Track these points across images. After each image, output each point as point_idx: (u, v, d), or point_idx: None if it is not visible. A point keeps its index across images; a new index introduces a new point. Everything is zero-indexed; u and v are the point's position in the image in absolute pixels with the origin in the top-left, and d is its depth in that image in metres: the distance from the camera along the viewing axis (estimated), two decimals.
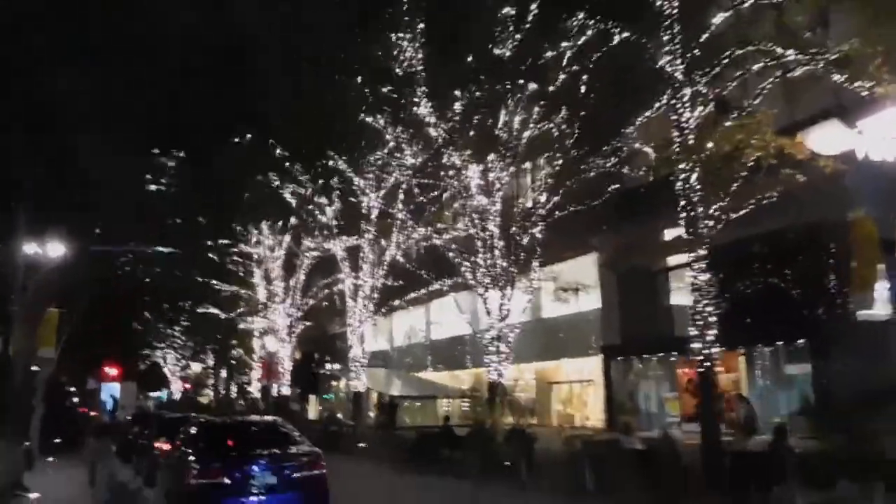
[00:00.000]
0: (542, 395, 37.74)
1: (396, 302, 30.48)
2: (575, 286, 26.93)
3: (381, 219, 26.93)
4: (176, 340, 58.22)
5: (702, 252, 14.98)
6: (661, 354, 30.07)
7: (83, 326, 32.99)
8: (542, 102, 19.12)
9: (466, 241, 21.32)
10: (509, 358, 20.75)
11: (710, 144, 14.23)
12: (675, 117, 14.71)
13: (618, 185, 21.23)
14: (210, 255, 38.83)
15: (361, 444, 26.49)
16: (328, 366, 53.43)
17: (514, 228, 20.34)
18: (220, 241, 36.90)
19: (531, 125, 19.33)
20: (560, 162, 19.54)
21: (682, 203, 14.71)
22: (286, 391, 38.51)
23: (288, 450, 10.55)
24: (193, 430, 11.89)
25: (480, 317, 37.53)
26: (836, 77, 12.80)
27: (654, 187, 26.62)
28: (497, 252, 20.19)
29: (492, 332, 20.39)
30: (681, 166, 14.50)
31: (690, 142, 14.42)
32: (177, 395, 64.07)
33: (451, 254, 21.03)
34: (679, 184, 14.67)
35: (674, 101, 14.70)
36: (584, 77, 18.19)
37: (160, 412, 27.85)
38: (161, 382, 66.69)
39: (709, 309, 16.65)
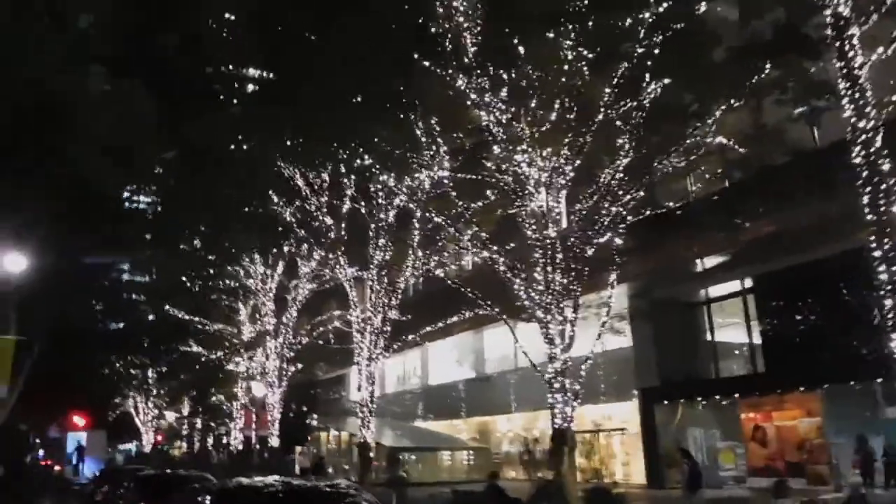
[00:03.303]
0: (538, 445, 33.60)
1: (411, 337, 25.99)
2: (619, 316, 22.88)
3: (400, 230, 22.67)
4: (151, 387, 52.50)
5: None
6: (716, 398, 26.12)
7: (45, 365, 27.84)
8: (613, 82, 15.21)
9: (516, 253, 17.07)
10: (578, 397, 16.31)
11: None
12: (841, 65, 10.79)
13: (649, 207, 17.38)
14: (193, 286, 33.92)
15: None
16: (314, 414, 48.59)
17: (574, 238, 16.17)
18: (209, 268, 32.06)
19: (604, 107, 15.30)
20: (624, 159, 15.63)
21: (865, 177, 10.61)
22: (275, 442, 33.38)
23: None
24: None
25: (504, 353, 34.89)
26: None
27: (692, 209, 23.23)
28: (558, 266, 15.96)
29: (555, 365, 15.96)
30: (861, 125, 10.48)
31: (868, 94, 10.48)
32: (147, 448, 57.94)
33: (501, 268, 16.65)
34: (858, 151, 10.59)
35: (838, 44, 10.80)
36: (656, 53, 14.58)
37: (137, 467, 22.78)
38: (132, 433, 60.53)
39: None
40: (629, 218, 16.25)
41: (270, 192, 23.65)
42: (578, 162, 15.51)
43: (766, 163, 18.61)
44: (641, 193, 15.51)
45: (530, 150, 15.23)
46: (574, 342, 16.31)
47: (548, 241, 15.81)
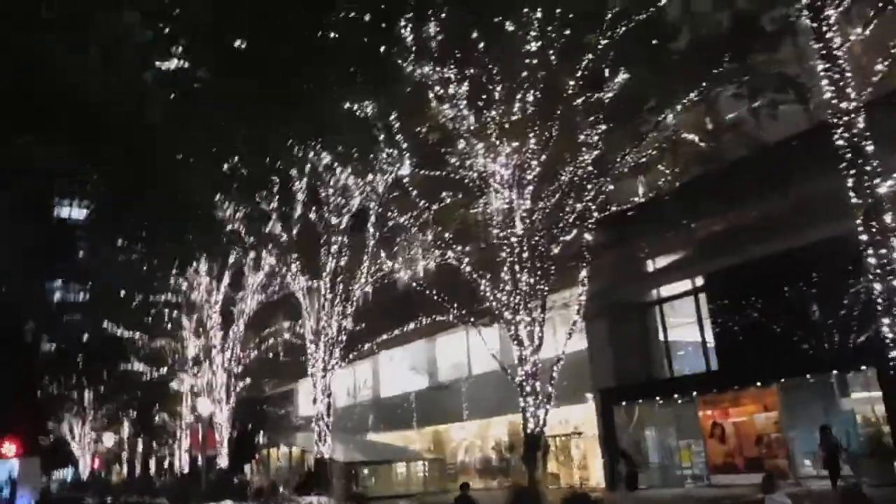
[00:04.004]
0: (514, 454, 33.04)
1: (367, 346, 25.06)
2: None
3: (354, 235, 21.72)
4: (88, 409, 49.75)
5: None
6: (674, 396, 25.93)
7: None
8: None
9: (481, 253, 16.43)
10: (550, 401, 15.73)
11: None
12: (819, 46, 10.54)
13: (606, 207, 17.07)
14: (133, 300, 32.12)
15: None
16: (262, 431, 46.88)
17: (539, 237, 15.64)
18: (150, 281, 30.31)
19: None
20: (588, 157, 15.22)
21: (849, 159, 10.32)
22: (223, 462, 31.84)
23: None
24: None
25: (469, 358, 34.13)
26: None
27: (646, 208, 23.10)
28: (525, 265, 15.39)
29: (526, 367, 15.34)
30: (843, 105, 10.20)
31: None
32: (85, 474, 54.92)
33: (466, 269, 15.96)
34: (841, 132, 10.30)
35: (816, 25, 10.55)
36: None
37: (76, 496, 21.14)
38: (67, 460, 57.31)
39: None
40: (595, 214, 15.80)
41: (217, 195, 22.30)
42: (544, 157, 14.96)
43: (720, 160, 18.53)
44: (610, 188, 15.05)
45: (497, 142, 14.61)
46: (543, 343, 15.74)
47: (514, 239, 15.21)
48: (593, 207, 15.45)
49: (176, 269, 31.01)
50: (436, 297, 16.93)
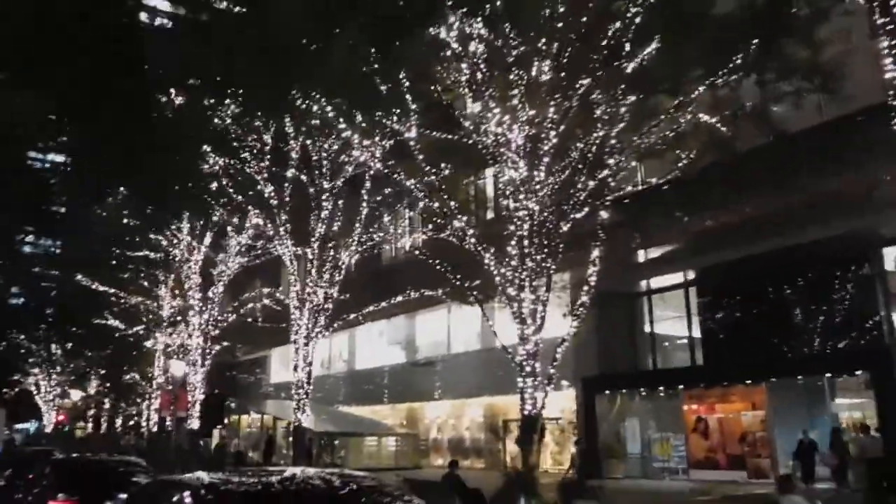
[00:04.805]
0: (491, 435, 32.48)
1: (353, 315, 24.14)
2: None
3: (350, 200, 20.70)
4: (55, 363, 48.21)
5: None
6: (658, 388, 25.42)
7: None
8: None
9: (488, 226, 15.56)
10: (553, 382, 15.01)
11: None
12: (884, 20, 9.64)
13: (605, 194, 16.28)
14: (110, 256, 30.84)
15: None
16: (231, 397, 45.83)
17: (548, 213, 14.79)
18: (130, 236, 29.04)
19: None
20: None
21: None
22: (195, 424, 30.82)
23: None
24: None
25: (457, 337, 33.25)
26: None
27: (644, 196, 22.38)
28: (534, 241, 14.55)
29: (527, 347, 14.56)
30: None
31: None
32: (49, 428, 53.47)
33: (470, 242, 15.08)
34: None
35: None
36: None
37: (45, 449, 20.02)
38: (31, 413, 55.71)
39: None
40: (609, 193, 14.99)
41: (207, 148, 21.09)
42: (563, 127, 14.05)
43: (730, 149, 17.83)
44: (628, 166, 14.22)
45: (520, 107, 13.67)
46: (545, 323, 14.97)
47: (524, 213, 14.34)
48: (612, 183, 14.59)
49: (155, 227, 29.86)
50: (438, 268, 15.93)
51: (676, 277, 26.21)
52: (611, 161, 14.22)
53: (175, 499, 4.52)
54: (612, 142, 14.40)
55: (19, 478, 12.14)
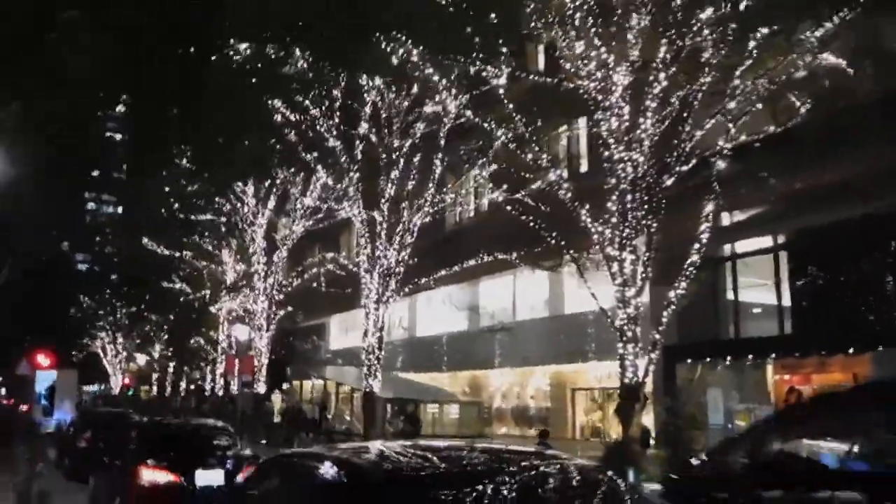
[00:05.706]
0: (558, 403, 31.50)
1: (423, 280, 23.18)
2: None
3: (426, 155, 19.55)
4: (120, 328, 48.80)
5: None
6: (746, 358, 23.94)
7: (9, 298, 24.45)
8: None
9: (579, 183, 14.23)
10: (655, 349, 13.81)
11: None
12: None
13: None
14: (175, 220, 30.48)
15: None
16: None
17: (650, 165, 13.41)
18: (195, 199, 28.57)
19: None
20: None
21: None
22: (261, 388, 30.53)
23: None
24: None
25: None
26: None
27: (732, 155, 20.78)
28: (638, 194, 13.23)
29: (628, 311, 13.35)
30: None
31: None
32: (116, 391, 54.42)
33: (566, 197, 13.80)
34: None
35: None
36: None
37: (120, 412, 19.70)
38: (98, 376, 56.81)
39: None
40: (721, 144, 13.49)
41: (277, 103, 20.01)
42: (672, 70, 12.59)
43: (850, 96, 16.08)
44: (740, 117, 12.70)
45: (632, 44, 12.26)
46: (644, 286, 13.69)
47: (629, 164, 12.99)
48: (734, 129, 13.11)
49: (219, 191, 29.24)
50: (535, 226, 14.67)
51: (764, 241, 24.54)
52: (731, 105, 12.72)
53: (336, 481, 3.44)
54: (730, 83, 12.89)
55: (100, 440, 11.50)
